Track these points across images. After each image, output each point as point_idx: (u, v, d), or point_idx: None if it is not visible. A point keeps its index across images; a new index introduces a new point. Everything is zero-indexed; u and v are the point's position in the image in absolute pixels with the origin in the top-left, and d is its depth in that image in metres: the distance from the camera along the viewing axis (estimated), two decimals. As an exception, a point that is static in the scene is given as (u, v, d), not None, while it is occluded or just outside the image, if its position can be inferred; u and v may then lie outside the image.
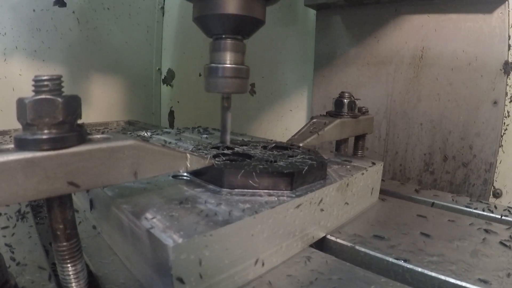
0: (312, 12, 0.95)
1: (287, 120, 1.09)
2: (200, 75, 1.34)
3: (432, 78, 0.75)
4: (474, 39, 0.70)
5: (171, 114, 1.49)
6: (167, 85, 1.48)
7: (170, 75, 1.46)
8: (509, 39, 0.66)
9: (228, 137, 0.53)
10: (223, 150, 0.48)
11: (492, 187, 0.72)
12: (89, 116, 1.22)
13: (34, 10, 1.04)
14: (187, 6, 1.35)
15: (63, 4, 0.98)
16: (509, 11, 0.66)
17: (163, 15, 1.45)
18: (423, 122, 0.77)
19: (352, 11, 0.85)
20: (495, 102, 0.68)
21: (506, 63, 0.66)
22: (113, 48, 1.28)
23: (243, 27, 0.45)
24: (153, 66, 1.46)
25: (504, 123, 0.70)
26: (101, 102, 1.28)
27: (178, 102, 1.46)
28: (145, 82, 1.44)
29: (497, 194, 0.72)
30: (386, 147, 0.83)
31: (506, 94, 0.68)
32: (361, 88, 0.85)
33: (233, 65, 0.45)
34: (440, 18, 0.73)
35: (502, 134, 0.70)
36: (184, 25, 1.39)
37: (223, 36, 0.45)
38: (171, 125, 1.49)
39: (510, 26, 0.66)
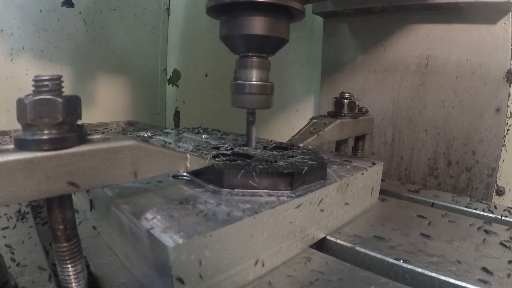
0: (320, 18, 0.96)
1: (294, 120, 1.09)
2: (206, 75, 1.33)
3: (437, 86, 0.77)
4: (478, 49, 0.71)
5: (177, 114, 1.49)
6: (172, 86, 1.48)
7: (176, 76, 1.46)
8: (512, 48, 0.68)
9: None
10: (223, 150, 0.48)
11: (495, 185, 0.73)
12: (94, 116, 1.22)
13: (40, 11, 1.04)
14: (192, 7, 1.37)
15: (71, 5, 0.98)
16: (512, 21, 0.67)
17: (168, 16, 1.45)
18: (428, 128, 0.79)
19: (359, 19, 0.86)
20: (497, 110, 0.70)
21: (509, 71, 0.68)
22: (119, 49, 1.29)
23: (269, 46, 0.46)
24: (159, 67, 1.46)
25: (507, 123, 0.71)
26: (107, 102, 1.28)
27: (183, 102, 1.46)
28: (151, 82, 1.44)
29: (500, 192, 0.74)
30: (392, 152, 0.84)
31: (509, 95, 0.70)
32: (367, 95, 0.87)
33: (259, 82, 0.46)
34: (446, 28, 0.74)
35: (505, 134, 0.71)
36: (190, 26, 1.39)
37: (249, 54, 0.46)
38: (177, 125, 1.49)
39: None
